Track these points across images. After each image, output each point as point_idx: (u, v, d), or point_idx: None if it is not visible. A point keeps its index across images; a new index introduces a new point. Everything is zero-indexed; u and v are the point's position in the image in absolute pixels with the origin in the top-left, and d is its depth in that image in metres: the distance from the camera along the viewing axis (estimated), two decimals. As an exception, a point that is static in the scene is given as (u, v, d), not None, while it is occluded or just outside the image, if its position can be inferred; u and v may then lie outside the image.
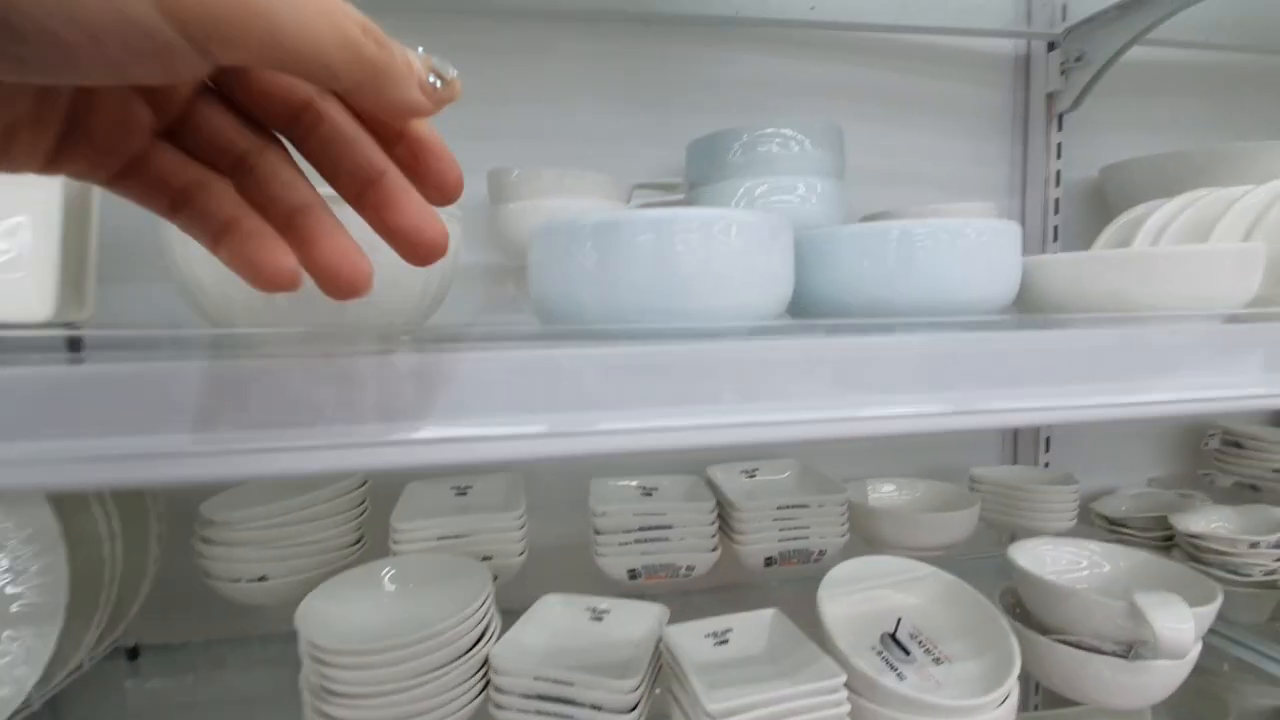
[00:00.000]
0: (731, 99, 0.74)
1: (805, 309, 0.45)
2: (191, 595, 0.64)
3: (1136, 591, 0.49)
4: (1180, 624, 0.46)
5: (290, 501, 0.58)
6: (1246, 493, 0.83)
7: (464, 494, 0.71)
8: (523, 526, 0.62)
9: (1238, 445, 0.83)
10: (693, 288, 0.33)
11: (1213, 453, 0.86)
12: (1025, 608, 0.59)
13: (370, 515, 0.64)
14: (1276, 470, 0.79)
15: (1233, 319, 0.39)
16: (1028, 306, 0.45)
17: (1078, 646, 0.51)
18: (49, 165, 0.18)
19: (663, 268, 0.32)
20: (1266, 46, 0.85)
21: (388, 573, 0.56)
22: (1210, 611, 0.49)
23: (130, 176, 0.19)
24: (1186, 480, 0.90)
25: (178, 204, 0.19)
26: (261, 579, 0.57)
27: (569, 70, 0.70)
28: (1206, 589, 0.52)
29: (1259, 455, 0.80)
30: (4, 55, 0.13)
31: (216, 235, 0.19)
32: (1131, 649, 0.50)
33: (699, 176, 0.64)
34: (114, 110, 0.18)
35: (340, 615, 0.52)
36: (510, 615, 0.56)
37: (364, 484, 0.63)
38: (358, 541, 0.62)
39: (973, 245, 0.40)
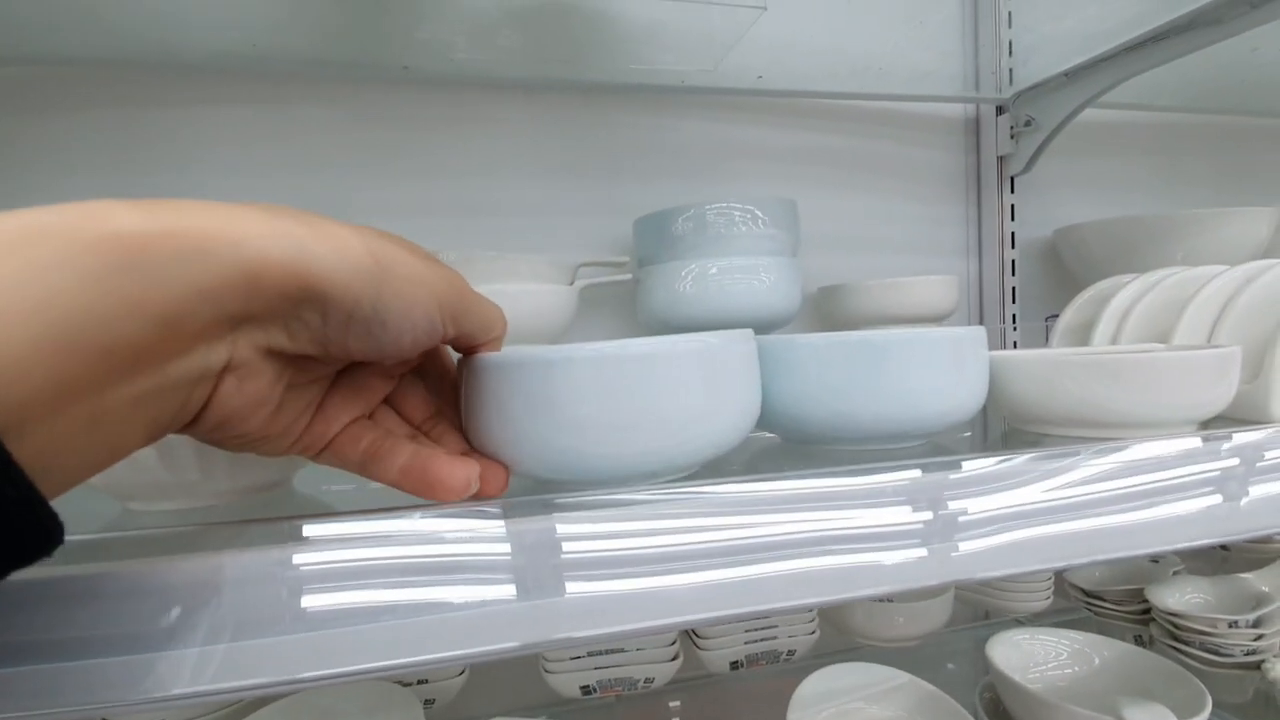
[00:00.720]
0: (681, 168, 0.72)
1: (763, 420, 0.41)
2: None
3: (1124, 705, 0.45)
4: (1173, 744, 0.43)
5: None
6: (1216, 552, 0.81)
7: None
8: (464, 642, 0.56)
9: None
10: (642, 432, 0.27)
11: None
12: (1007, 707, 0.55)
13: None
14: (1244, 531, 0.78)
15: (1210, 438, 0.36)
16: (995, 405, 0.42)
17: (1065, 764, 0.47)
18: (298, 441, 0.24)
19: (607, 411, 0.27)
20: (1203, 107, 0.86)
21: (302, 710, 0.50)
22: (1201, 722, 0.46)
23: (331, 446, 0.26)
24: (1155, 539, 0.88)
25: (363, 460, 0.25)
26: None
27: (508, 141, 0.67)
28: (1193, 693, 0.49)
29: (1226, 516, 0.79)
30: (370, 336, 0.21)
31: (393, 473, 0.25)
32: (1123, 768, 0.46)
33: (648, 255, 0.61)
34: (343, 410, 0.26)
35: (245, 774, 0.45)
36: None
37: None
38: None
39: (938, 355, 0.37)
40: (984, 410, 0.43)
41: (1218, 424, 0.40)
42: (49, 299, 0.14)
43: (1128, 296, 0.51)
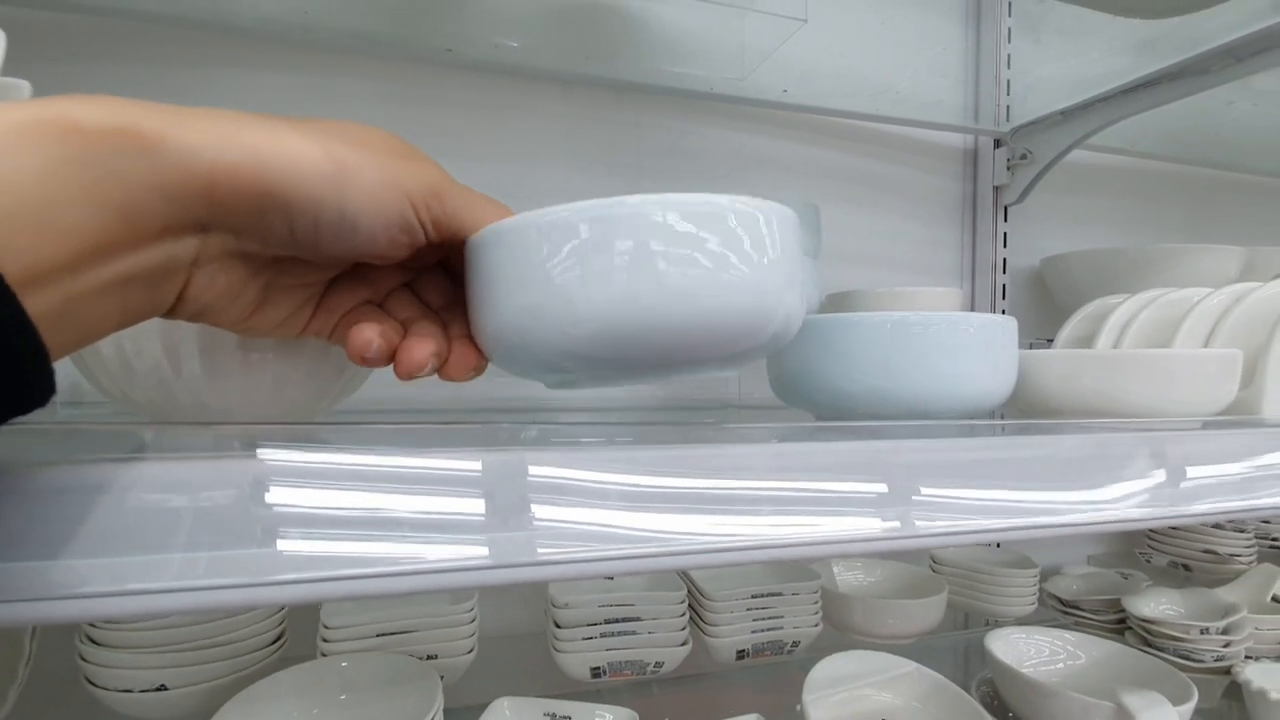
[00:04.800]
0: (703, 170, 0.74)
1: (800, 393, 0.43)
2: (73, 705, 0.53)
3: (1122, 690, 0.48)
4: (1168, 727, 0.45)
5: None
6: (1179, 572, 0.86)
7: (405, 578, 0.64)
8: (473, 620, 0.56)
9: (1170, 526, 0.86)
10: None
11: (1146, 533, 0.89)
12: (1002, 700, 0.57)
13: (293, 609, 0.56)
14: (1207, 551, 0.83)
15: (1209, 425, 0.40)
16: (1018, 399, 0.45)
17: (1064, 750, 0.49)
18: (303, 331, 0.27)
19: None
20: (1180, 157, 0.94)
21: (316, 680, 0.49)
22: (1189, 710, 0.49)
23: (338, 330, 0.27)
24: (1123, 559, 0.93)
25: (350, 333, 0.26)
26: (159, 689, 0.48)
27: (542, 131, 0.68)
28: (1180, 685, 0.52)
29: (1190, 537, 0.84)
30: (343, 240, 0.23)
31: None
32: (1118, 752, 0.48)
33: (676, 247, 0.63)
34: (346, 299, 0.27)
35: (257, 738, 0.44)
36: (454, 718, 0.50)
37: (291, 570, 0.55)
38: (276, 641, 0.53)
39: (973, 339, 0.39)
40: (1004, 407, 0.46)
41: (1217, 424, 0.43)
42: (11, 183, 0.16)
43: (1125, 312, 0.55)
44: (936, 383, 0.39)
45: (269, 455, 0.21)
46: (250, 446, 0.21)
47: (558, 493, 0.24)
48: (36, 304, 0.16)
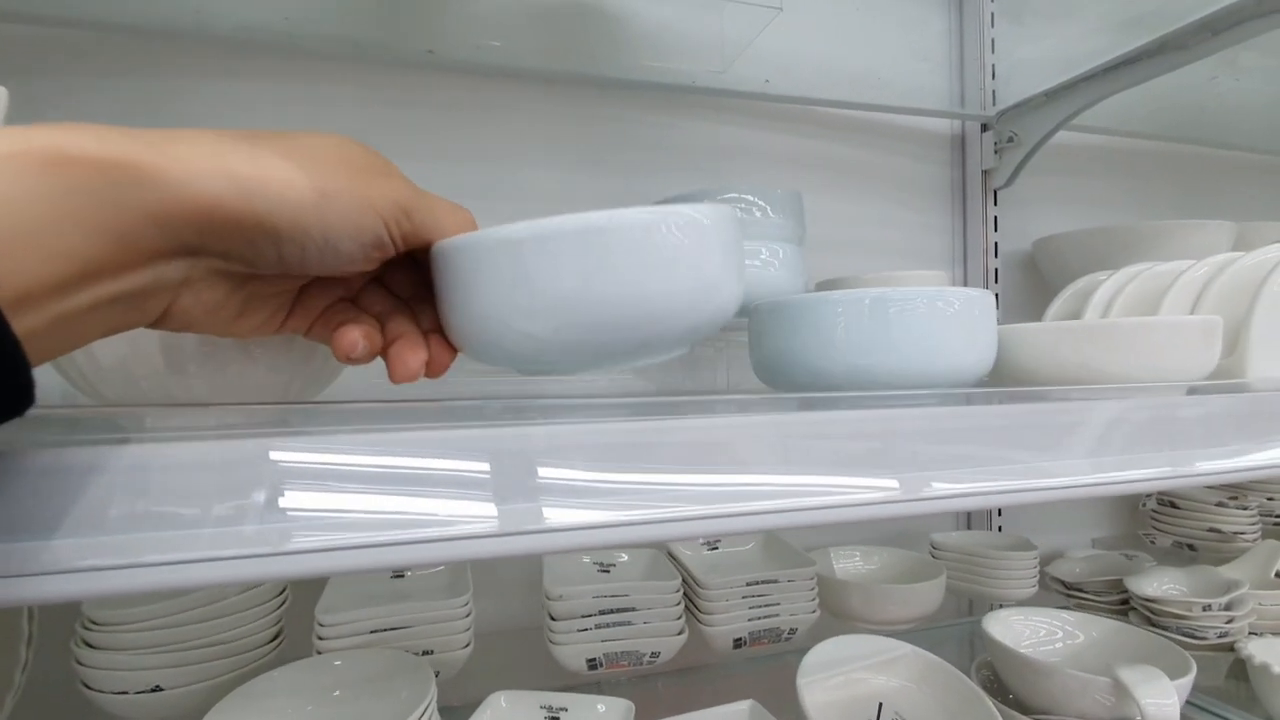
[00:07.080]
0: (687, 163, 0.75)
1: (783, 375, 0.43)
2: (70, 710, 0.54)
3: (1118, 666, 0.47)
4: (1164, 699, 0.45)
5: (191, 595, 0.50)
6: (1184, 552, 0.85)
7: (400, 577, 0.64)
8: (469, 615, 0.56)
9: (1173, 506, 0.85)
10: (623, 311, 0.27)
11: (1150, 513, 0.89)
12: (1001, 682, 0.57)
13: (290, 606, 0.56)
14: (1211, 530, 0.82)
15: (1196, 389, 0.40)
16: (1001, 373, 0.45)
17: (1062, 727, 0.49)
18: (279, 329, 0.27)
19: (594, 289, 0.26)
20: (1168, 135, 0.94)
21: (310, 677, 0.49)
22: (1187, 683, 0.49)
23: (314, 328, 0.28)
24: (1127, 540, 0.92)
25: (335, 335, 0.27)
26: (155, 690, 0.48)
27: (526, 130, 0.69)
28: (1178, 658, 0.52)
29: (1194, 516, 0.83)
30: (324, 261, 0.24)
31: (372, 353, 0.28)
32: (1117, 728, 0.48)
33: (660, 238, 0.63)
34: (321, 298, 0.28)
35: (253, 733, 0.44)
36: (451, 715, 0.50)
37: (286, 570, 0.55)
38: (274, 639, 0.54)
39: (951, 313, 0.39)
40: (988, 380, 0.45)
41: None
42: (4, 209, 0.16)
43: (1110, 288, 0.55)
44: (915, 358, 0.39)
45: (269, 436, 0.21)
46: (250, 427, 0.22)
47: (560, 461, 0.24)
48: (24, 323, 0.16)
